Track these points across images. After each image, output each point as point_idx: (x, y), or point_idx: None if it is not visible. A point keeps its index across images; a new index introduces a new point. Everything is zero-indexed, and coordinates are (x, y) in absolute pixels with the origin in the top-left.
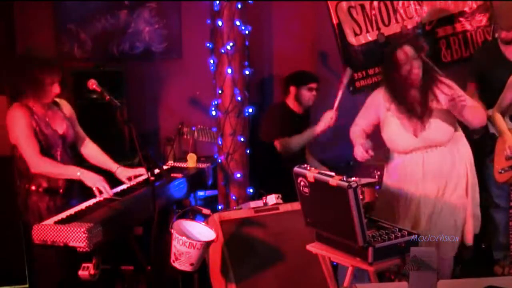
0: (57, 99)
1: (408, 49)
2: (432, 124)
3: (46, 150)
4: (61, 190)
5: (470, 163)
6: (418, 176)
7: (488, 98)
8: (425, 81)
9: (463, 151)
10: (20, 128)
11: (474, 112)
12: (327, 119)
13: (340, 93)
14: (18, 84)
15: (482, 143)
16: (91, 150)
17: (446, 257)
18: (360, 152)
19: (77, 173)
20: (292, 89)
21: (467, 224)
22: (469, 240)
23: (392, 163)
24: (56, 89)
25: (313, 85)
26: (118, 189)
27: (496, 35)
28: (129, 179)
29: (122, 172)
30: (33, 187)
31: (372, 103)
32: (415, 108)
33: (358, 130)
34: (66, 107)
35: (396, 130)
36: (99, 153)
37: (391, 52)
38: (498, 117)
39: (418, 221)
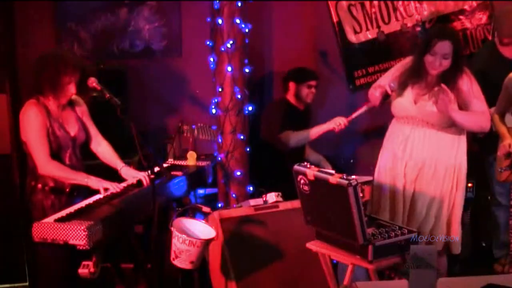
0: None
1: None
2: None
3: (55, 152)
4: (67, 190)
5: (461, 179)
6: (400, 145)
7: (489, 98)
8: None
9: (458, 158)
10: (33, 127)
11: (467, 117)
12: (336, 123)
13: (363, 109)
14: (36, 82)
15: (486, 141)
16: (102, 147)
17: None
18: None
19: (85, 179)
20: (292, 85)
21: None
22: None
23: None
24: (72, 89)
25: (313, 83)
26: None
27: (496, 36)
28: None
29: (127, 171)
30: (39, 185)
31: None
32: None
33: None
34: (80, 106)
35: (404, 95)
36: (109, 150)
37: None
38: (497, 119)
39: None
